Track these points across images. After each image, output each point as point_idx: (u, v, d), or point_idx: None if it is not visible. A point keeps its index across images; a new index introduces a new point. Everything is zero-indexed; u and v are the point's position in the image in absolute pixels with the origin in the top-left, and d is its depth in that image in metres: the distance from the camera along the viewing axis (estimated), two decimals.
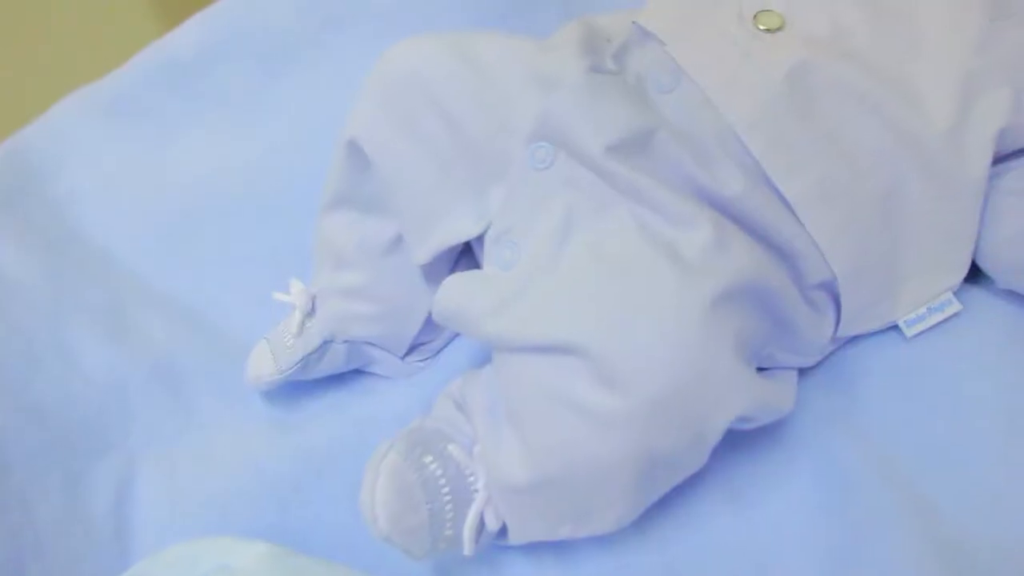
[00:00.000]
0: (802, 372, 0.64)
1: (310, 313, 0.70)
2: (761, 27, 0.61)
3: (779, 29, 0.61)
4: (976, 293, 0.64)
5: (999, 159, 0.62)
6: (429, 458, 0.57)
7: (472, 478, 0.57)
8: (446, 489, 0.56)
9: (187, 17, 0.85)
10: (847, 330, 0.62)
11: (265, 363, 0.70)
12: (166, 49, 0.81)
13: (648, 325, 0.51)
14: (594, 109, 0.58)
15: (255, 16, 0.79)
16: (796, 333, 0.60)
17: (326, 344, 0.69)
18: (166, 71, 0.80)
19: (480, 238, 0.62)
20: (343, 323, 0.69)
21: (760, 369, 0.61)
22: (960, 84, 0.59)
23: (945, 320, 0.63)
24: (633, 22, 0.64)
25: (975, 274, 0.64)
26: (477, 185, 0.61)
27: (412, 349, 0.71)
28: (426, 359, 0.72)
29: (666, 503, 0.59)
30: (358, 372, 0.73)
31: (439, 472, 0.56)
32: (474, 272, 0.61)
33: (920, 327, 0.63)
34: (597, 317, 0.52)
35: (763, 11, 0.62)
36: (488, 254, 0.60)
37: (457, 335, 0.72)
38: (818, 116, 0.59)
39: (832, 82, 0.59)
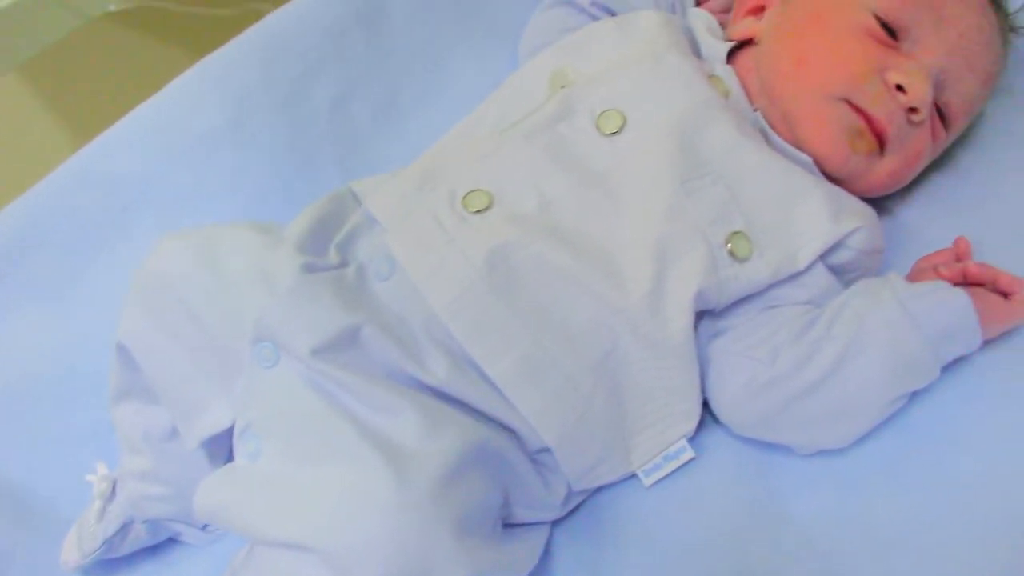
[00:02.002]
0: (556, 521, 0.66)
1: (111, 497, 0.74)
2: (470, 209, 0.64)
3: (487, 208, 0.64)
4: (718, 435, 0.66)
5: (718, 314, 0.64)
6: None
7: None
8: None
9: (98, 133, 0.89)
10: (581, 486, 0.64)
11: (72, 548, 0.73)
12: None
13: (368, 519, 0.54)
14: (300, 314, 0.61)
15: (61, 204, 0.83)
16: (529, 492, 0.63)
17: (127, 526, 0.73)
18: None
19: None
20: (139, 505, 0.72)
21: (508, 525, 0.64)
22: (653, 251, 0.62)
23: (683, 466, 0.65)
24: (362, 205, 0.67)
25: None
26: (225, 379, 0.64)
27: None
28: None
29: None
30: (171, 540, 0.76)
31: None
32: (227, 468, 0.64)
33: (657, 476, 0.65)
34: (323, 515, 0.55)
35: (473, 191, 0.65)
36: (236, 447, 0.64)
37: None
38: (521, 295, 0.61)
39: (532, 261, 0.62)
